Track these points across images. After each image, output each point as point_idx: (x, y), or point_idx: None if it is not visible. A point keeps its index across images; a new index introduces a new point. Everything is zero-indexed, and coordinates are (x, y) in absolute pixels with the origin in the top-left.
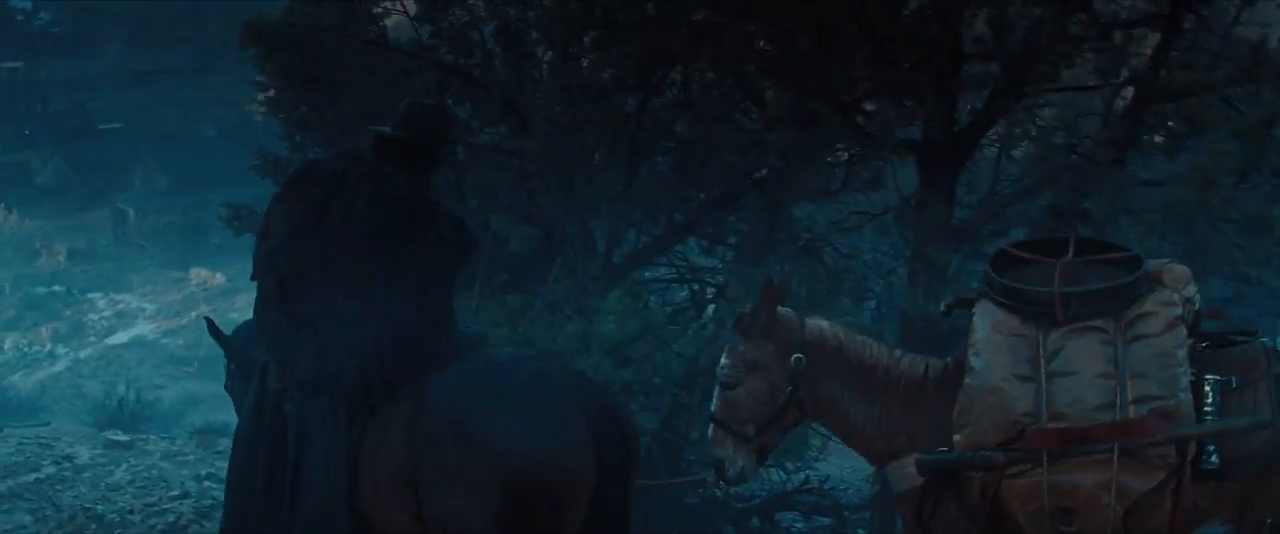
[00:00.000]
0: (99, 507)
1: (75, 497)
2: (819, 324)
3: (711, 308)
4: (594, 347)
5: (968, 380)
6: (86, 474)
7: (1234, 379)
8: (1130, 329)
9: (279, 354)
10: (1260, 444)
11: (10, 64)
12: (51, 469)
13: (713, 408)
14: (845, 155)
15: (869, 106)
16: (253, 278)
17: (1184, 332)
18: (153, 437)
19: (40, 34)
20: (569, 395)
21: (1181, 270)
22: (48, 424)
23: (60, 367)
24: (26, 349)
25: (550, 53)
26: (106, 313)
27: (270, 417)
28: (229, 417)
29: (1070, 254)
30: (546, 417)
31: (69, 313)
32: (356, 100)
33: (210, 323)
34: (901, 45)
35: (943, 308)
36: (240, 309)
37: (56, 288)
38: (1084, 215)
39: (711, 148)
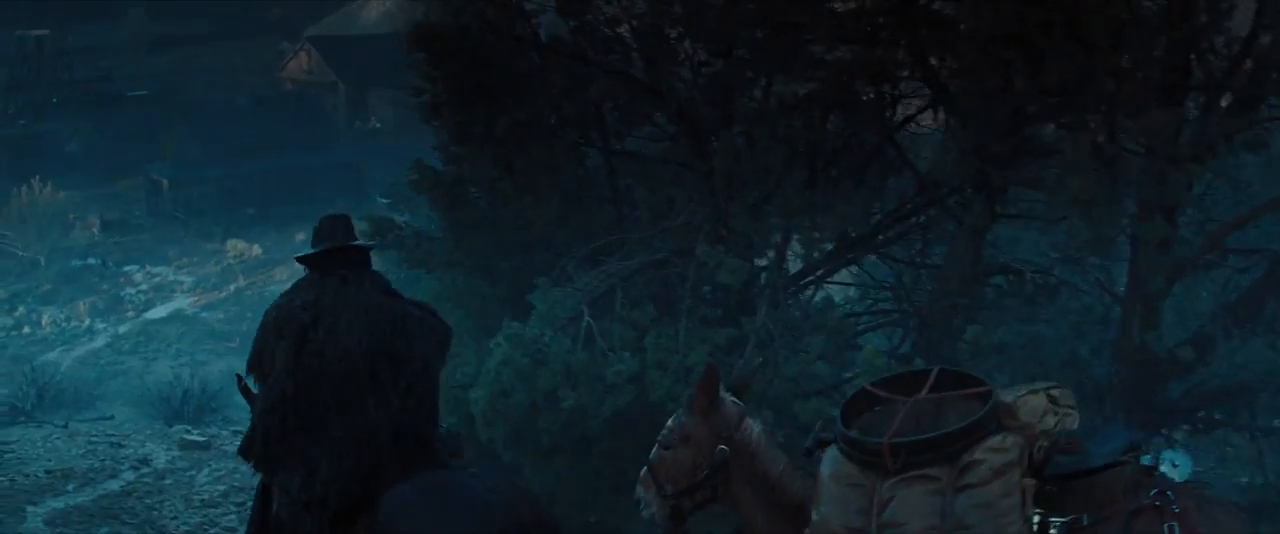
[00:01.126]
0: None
1: (172, 514)
2: (750, 427)
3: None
4: (808, 388)
5: (808, 530)
6: (168, 481)
7: (1086, 517)
8: (961, 478)
9: (277, 480)
10: None
11: (37, 31)
12: (130, 476)
13: (651, 453)
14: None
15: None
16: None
17: (1017, 477)
18: (224, 433)
19: (61, 2)
20: (499, 515)
21: (1037, 402)
22: (112, 418)
23: (99, 343)
24: (65, 325)
25: (722, 62)
26: (143, 287)
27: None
28: None
29: (925, 391)
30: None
31: (106, 287)
32: (526, 108)
33: (240, 380)
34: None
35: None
36: (280, 282)
37: (92, 261)
38: None
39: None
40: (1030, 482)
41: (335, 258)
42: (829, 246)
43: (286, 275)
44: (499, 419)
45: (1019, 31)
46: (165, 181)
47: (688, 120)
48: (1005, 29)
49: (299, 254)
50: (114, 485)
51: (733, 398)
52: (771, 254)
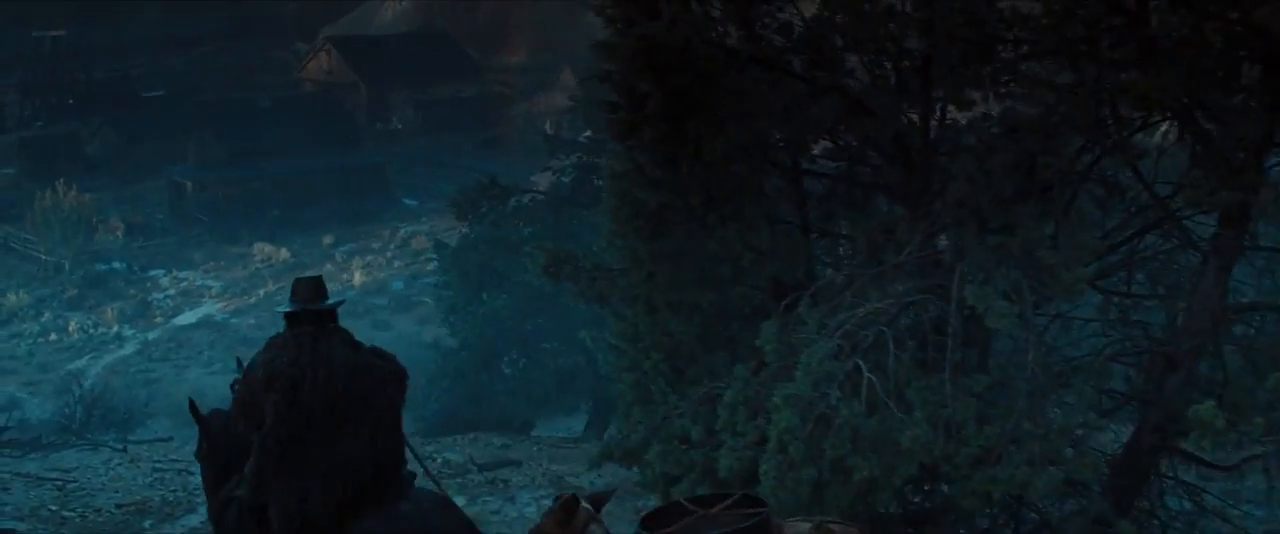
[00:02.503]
0: None
1: None
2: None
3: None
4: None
5: None
6: None
7: None
8: None
9: (275, 505)
10: None
11: (53, 32)
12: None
13: None
14: None
15: None
16: (197, 456)
17: None
18: None
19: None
20: None
21: (804, 528)
22: (170, 439)
23: (129, 349)
24: (93, 332)
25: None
26: (170, 291)
27: None
28: None
29: (718, 507)
30: None
31: (133, 292)
32: (744, 130)
33: (192, 404)
34: None
35: None
36: None
37: (117, 265)
38: None
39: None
40: None
41: (308, 316)
42: (1084, 281)
43: None
44: (786, 493)
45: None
46: (188, 184)
47: (904, 144)
48: (1251, 43)
49: (281, 309)
50: (193, 520)
51: (588, 506)
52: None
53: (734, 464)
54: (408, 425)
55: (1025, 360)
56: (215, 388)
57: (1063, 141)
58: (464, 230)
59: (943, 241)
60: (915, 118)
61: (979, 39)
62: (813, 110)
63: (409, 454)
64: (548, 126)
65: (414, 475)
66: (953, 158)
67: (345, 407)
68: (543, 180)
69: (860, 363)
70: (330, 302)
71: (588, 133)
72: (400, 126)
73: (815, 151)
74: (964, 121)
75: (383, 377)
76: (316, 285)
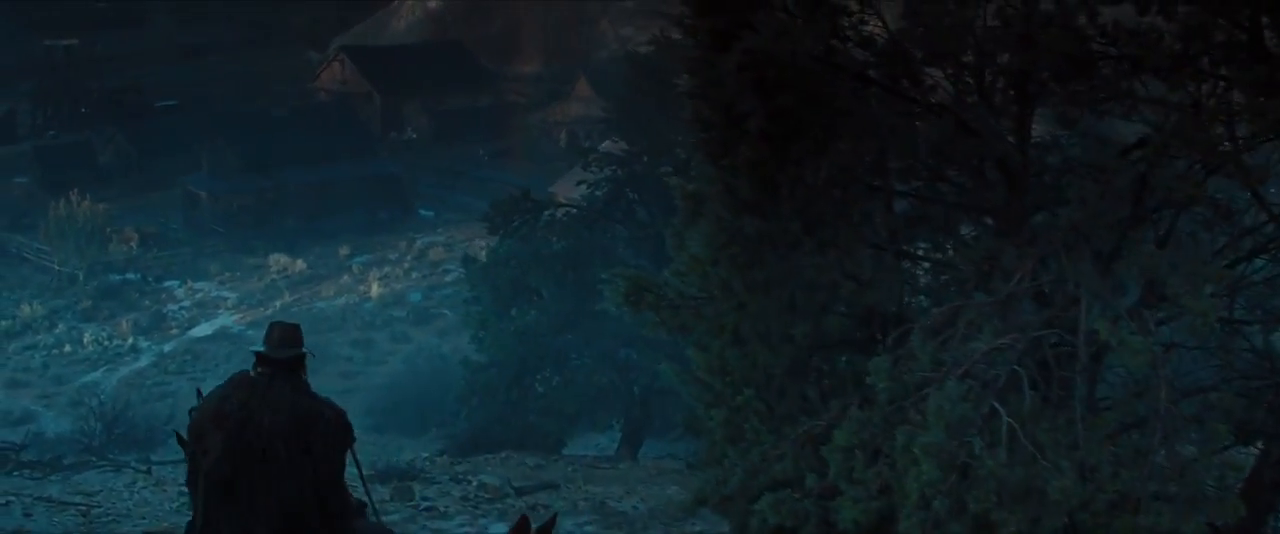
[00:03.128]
0: None
1: None
2: None
3: None
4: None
5: None
6: None
7: None
8: None
9: None
10: None
11: (66, 41)
12: None
13: None
14: None
15: None
16: (186, 485)
17: None
18: None
19: (85, 9)
20: None
21: None
22: None
23: (144, 362)
24: (107, 343)
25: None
26: (185, 303)
27: None
28: None
29: None
30: None
31: (147, 303)
32: (850, 150)
33: (178, 436)
34: None
35: None
36: (326, 298)
37: (131, 276)
38: None
39: None
40: None
41: (271, 361)
42: (1213, 311)
43: (333, 291)
44: None
45: None
46: (203, 194)
47: (1006, 165)
48: None
49: (257, 349)
50: None
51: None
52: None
53: (858, 516)
54: (436, 443)
55: (1156, 397)
56: None
57: (1172, 162)
58: (492, 244)
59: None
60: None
61: (1080, 54)
62: (920, 130)
63: (361, 488)
64: (563, 136)
65: (365, 505)
66: (1056, 179)
67: (286, 451)
68: (561, 189)
69: (996, 405)
70: (296, 351)
71: (622, 144)
72: (414, 136)
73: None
74: (1047, 141)
75: (327, 426)
76: (289, 333)
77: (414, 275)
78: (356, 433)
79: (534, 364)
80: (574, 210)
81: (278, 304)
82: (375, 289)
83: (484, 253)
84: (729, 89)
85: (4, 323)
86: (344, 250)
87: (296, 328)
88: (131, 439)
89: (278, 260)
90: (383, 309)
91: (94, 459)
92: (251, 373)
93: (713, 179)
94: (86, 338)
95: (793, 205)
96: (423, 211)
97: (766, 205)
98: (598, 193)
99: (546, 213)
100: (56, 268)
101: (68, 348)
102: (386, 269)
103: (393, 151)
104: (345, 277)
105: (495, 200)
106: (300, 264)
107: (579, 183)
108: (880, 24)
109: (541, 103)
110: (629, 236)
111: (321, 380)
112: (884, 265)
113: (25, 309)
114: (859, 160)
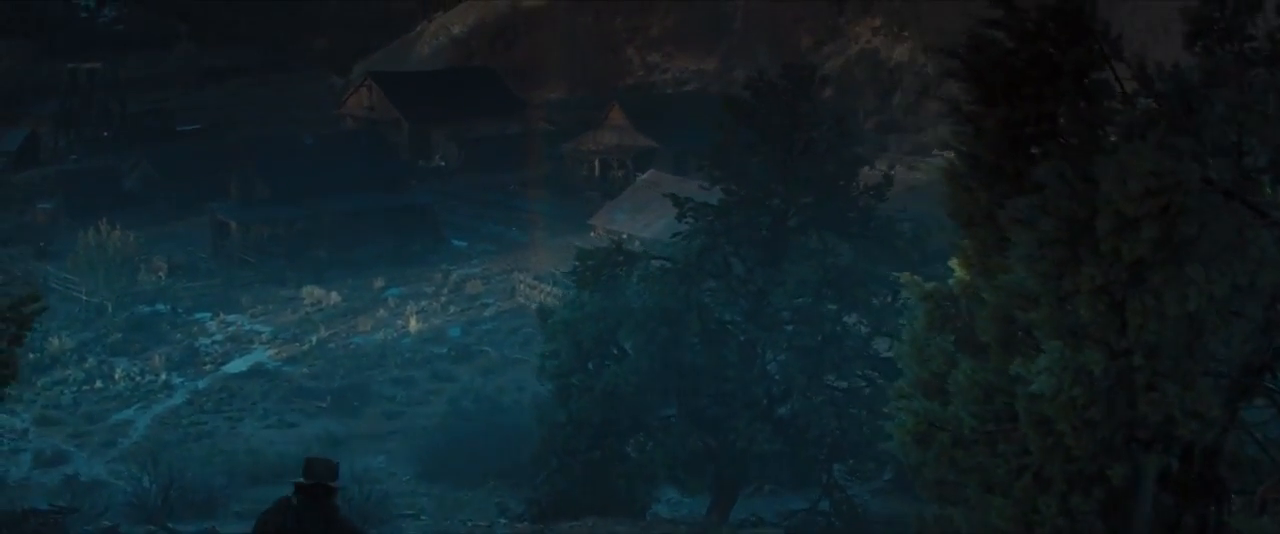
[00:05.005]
0: None
1: None
2: None
3: None
4: None
5: None
6: None
7: None
8: None
9: None
10: None
11: (89, 65)
12: None
13: None
14: None
15: None
16: None
17: None
18: None
19: (106, 31)
20: None
21: None
22: None
23: (178, 399)
24: (139, 379)
25: None
26: (218, 336)
27: None
28: None
29: None
30: None
31: (179, 337)
32: (1214, 275)
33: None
34: None
35: None
36: (363, 333)
37: (160, 307)
38: None
39: None
40: None
41: (308, 489)
42: None
43: (370, 325)
44: None
45: None
46: (233, 223)
47: None
48: None
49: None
50: None
51: None
52: None
53: None
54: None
55: None
56: (272, 444)
57: None
58: (542, 282)
59: None
60: None
61: None
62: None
63: None
64: (596, 165)
65: None
66: None
67: None
68: (600, 222)
69: None
70: (329, 483)
71: (717, 192)
72: (443, 164)
73: None
74: None
75: None
76: (325, 467)
77: (452, 309)
78: (407, 481)
79: (619, 424)
80: (668, 263)
81: (314, 339)
82: (413, 324)
83: (538, 292)
84: (1084, 203)
85: (33, 356)
86: (378, 282)
87: (330, 463)
88: (190, 502)
89: (311, 292)
90: (422, 345)
91: (156, 531)
92: (291, 499)
93: (1041, 301)
94: (117, 373)
95: (1141, 336)
96: (455, 241)
97: (1112, 336)
98: (693, 244)
99: (639, 267)
100: (84, 298)
101: (99, 383)
102: (423, 303)
103: (422, 179)
104: (381, 310)
105: (582, 251)
106: (334, 297)
107: (675, 235)
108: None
109: (570, 130)
110: (722, 289)
111: (365, 422)
112: (1231, 404)
113: (54, 342)
114: (1222, 285)
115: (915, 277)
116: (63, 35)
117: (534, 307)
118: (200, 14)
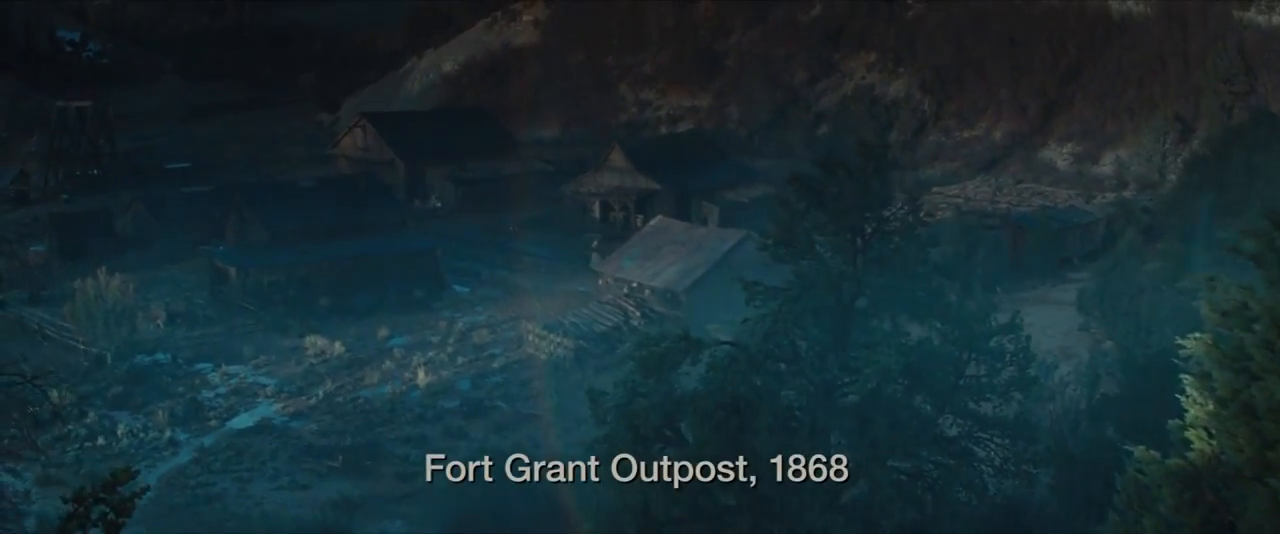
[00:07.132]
0: None
1: None
2: None
3: None
4: None
5: None
6: None
7: None
8: None
9: None
10: None
11: (78, 102)
12: None
13: None
14: None
15: None
16: None
17: None
18: None
19: (91, 66)
20: None
21: None
22: None
23: (185, 457)
24: (143, 436)
25: None
26: (221, 389)
27: None
28: None
29: None
30: None
31: (181, 389)
32: None
33: None
34: None
35: None
36: (370, 386)
37: (161, 356)
38: None
39: None
40: None
41: None
42: None
43: (377, 377)
44: None
45: None
46: (232, 269)
47: None
48: None
49: None
50: None
51: None
52: None
53: None
54: None
55: None
56: (285, 507)
57: None
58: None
59: None
60: None
61: None
62: None
63: None
64: (596, 207)
65: None
66: None
67: None
68: (607, 269)
69: None
70: None
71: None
72: (439, 204)
73: None
74: None
75: None
76: None
77: (459, 360)
78: None
79: (678, 514)
80: (734, 348)
81: (320, 393)
82: (422, 376)
83: (548, 342)
84: None
85: (32, 410)
86: (382, 331)
87: None
88: None
89: (314, 342)
90: (432, 399)
91: None
92: None
93: None
94: (120, 429)
95: None
96: (458, 287)
97: None
98: (758, 328)
99: (707, 354)
100: (82, 348)
101: (101, 440)
102: (429, 353)
103: (418, 220)
104: (387, 361)
105: (643, 339)
106: (338, 346)
107: (744, 320)
108: None
109: (566, 169)
110: (788, 374)
111: (380, 483)
112: None
113: (53, 395)
114: None
115: (1153, 452)
116: (48, 70)
117: (543, 357)
118: (185, 50)
